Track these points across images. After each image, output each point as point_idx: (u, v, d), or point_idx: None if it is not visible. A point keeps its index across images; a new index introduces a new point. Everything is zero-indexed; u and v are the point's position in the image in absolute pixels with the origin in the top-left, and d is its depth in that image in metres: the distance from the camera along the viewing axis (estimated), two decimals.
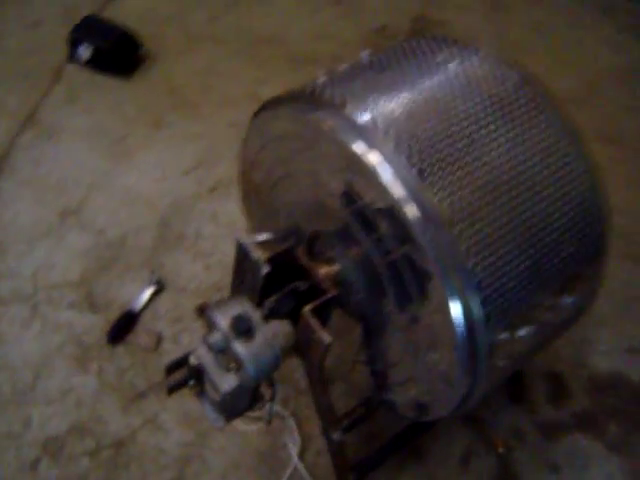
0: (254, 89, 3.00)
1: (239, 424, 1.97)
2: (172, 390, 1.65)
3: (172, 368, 1.64)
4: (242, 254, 1.54)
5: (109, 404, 2.11)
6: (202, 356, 1.52)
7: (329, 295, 1.52)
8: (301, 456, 2.04)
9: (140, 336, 2.25)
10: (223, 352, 1.47)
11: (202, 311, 1.58)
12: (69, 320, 2.27)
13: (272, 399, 1.66)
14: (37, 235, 2.48)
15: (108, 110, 2.92)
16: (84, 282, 2.37)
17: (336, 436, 1.73)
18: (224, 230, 2.54)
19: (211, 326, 1.46)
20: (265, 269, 1.51)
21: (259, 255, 1.53)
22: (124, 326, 2.25)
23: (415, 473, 2.03)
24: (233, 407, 1.62)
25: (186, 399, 2.03)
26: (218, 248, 2.49)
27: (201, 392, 1.63)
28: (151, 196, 2.62)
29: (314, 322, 1.46)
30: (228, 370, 1.48)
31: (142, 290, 2.33)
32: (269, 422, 1.75)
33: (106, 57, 2.97)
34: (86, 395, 2.12)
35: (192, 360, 1.53)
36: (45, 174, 2.66)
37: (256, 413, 1.82)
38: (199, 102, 3.00)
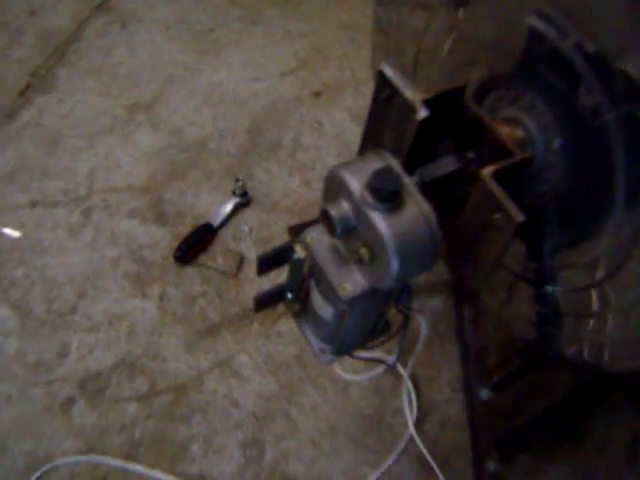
0: None
1: (343, 371, 1.42)
2: (261, 304, 1.11)
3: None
4: (387, 91, 0.98)
5: (171, 338, 1.60)
6: (315, 245, 0.97)
7: (519, 157, 0.95)
8: (418, 427, 1.48)
9: (217, 257, 1.72)
10: (350, 235, 0.92)
11: (297, 233, 1.04)
12: (128, 231, 1.77)
13: (404, 327, 1.10)
14: (98, 130, 1.98)
15: (195, 1, 2.41)
16: (151, 188, 1.86)
17: (484, 393, 1.16)
18: (329, 141, 2.00)
19: (333, 217, 0.91)
20: (422, 113, 0.95)
21: (414, 94, 0.97)
22: (198, 242, 1.73)
23: (570, 462, 1.48)
24: (351, 333, 1.07)
25: (271, 340, 1.50)
26: (321, 161, 1.94)
27: (303, 309, 1.10)
28: (241, 96, 2.10)
29: (499, 191, 0.89)
30: (356, 263, 0.93)
31: (224, 202, 1.81)
32: (393, 366, 1.19)
33: None
34: (142, 324, 1.61)
35: (298, 251, 0.99)
36: (115, 64, 2.17)
37: (371, 354, 1.28)
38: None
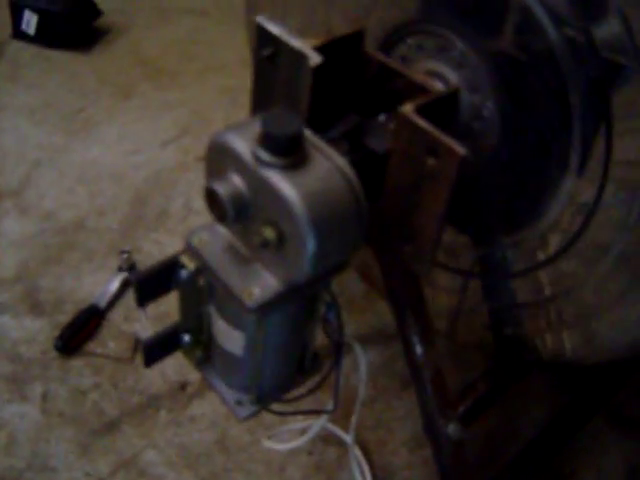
0: (248, 53, 2.29)
1: (273, 442, 1.15)
2: (152, 355, 0.86)
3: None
4: (269, 48, 0.78)
5: (60, 442, 1.30)
6: (205, 247, 0.74)
7: (442, 92, 0.76)
8: None
9: (108, 342, 1.44)
10: (247, 220, 0.69)
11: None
12: None
13: (338, 351, 0.87)
14: None
15: (60, 85, 2.21)
16: (22, 277, 1.59)
17: (451, 429, 0.92)
18: None
19: (221, 196, 0.69)
20: (315, 59, 0.75)
21: (302, 43, 0.77)
22: (82, 328, 1.46)
23: None
24: (271, 369, 0.83)
25: (183, 428, 1.24)
26: None
27: (206, 354, 0.85)
28: (118, 170, 1.88)
29: (428, 126, 0.69)
30: (260, 252, 0.70)
31: (109, 280, 1.54)
32: (333, 412, 0.93)
33: (57, 24, 2.28)
34: (23, 431, 1.32)
35: (185, 263, 0.76)
36: None
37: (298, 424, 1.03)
38: (178, 71, 2.30)
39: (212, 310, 0.82)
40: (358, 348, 0.95)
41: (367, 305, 1.56)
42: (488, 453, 1.24)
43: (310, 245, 0.66)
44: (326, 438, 1.34)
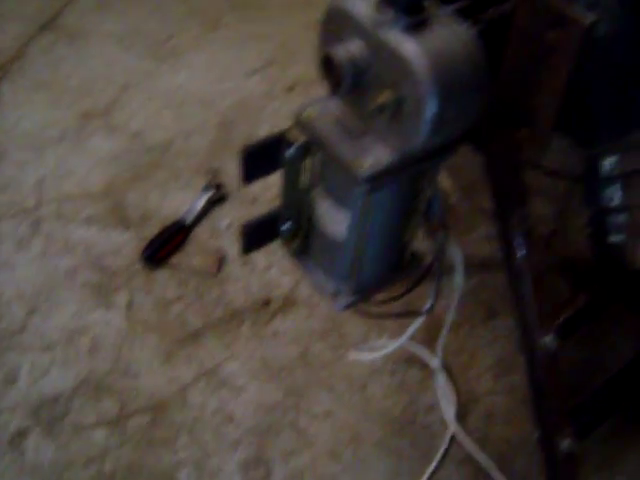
0: None
1: (358, 353, 1.13)
2: (251, 242, 0.84)
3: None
4: None
5: (144, 350, 1.31)
6: (316, 120, 0.72)
7: None
8: (460, 424, 1.19)
9: (194, 256, 1.44)
10: (362, 90, 0.66)
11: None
12: (86, 238, 1.50)
13: (440, 255, 0.84)
14: (47, 140, 1.73)
15: (149, 14, 2.21)
16: (110, 192, 1.60)
17: (548, 341, 0.88)
18: None
19: (339, 61, 0.66)
20: None
21: None
22: (169, 241, 1.46)
23: None
24: (371, 257, 0.80)
25: (266, 342, 1.23)
26: None
27: (305, 244, 0.83)
28: (206, 97, 1.87)
29: None
30: (370, 122, 0.68)
31: (196, 198, 1.54)
32: (430, 309, 0.91)
33: None
34: (107, 337, 1.33)
35: (293, 138, 0.74)
36: (65, 76, 1.94)
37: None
38: (265, 4, 2.26)
39: (317, 192, 0.80)
40: (457, 256, 0.92)
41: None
42: (587, 375, 1.20)
43: (430, 106, 0.63)
44: (409, 360, 1.32)
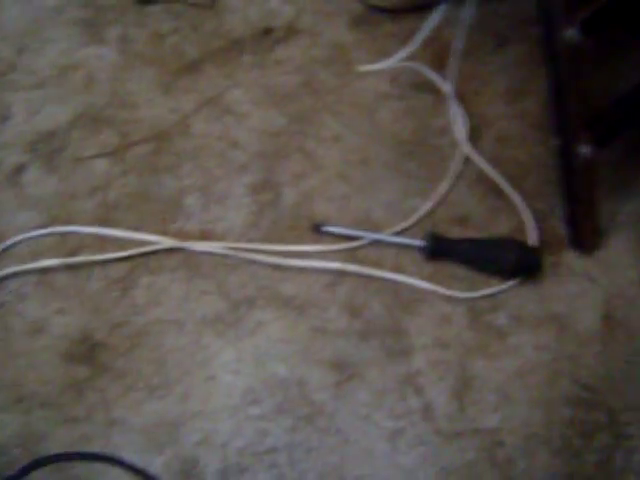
0: None
1: (368, 66, 1.06)
2: None
3: None
4: None
5: (141, 82, 1.27)
6: None
7: None
8: (472, 146, 1.13)
9: None
10: None
11: None
12: None
13: None
14: None
15: None
16: None
17: (571, 34, 0.79)
18: None
19: None
20: None
21: None
22: None
23: None
24: None
25: (268, 70, 1.16)
26: None
27: None
28: None
29: None
30: None
31: None
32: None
33: None
34: (101, 71, 1.27)
35: None
36: None
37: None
38: None
39: None
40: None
41: None
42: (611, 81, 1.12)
43: None
44: (418, 85, 1.25)
